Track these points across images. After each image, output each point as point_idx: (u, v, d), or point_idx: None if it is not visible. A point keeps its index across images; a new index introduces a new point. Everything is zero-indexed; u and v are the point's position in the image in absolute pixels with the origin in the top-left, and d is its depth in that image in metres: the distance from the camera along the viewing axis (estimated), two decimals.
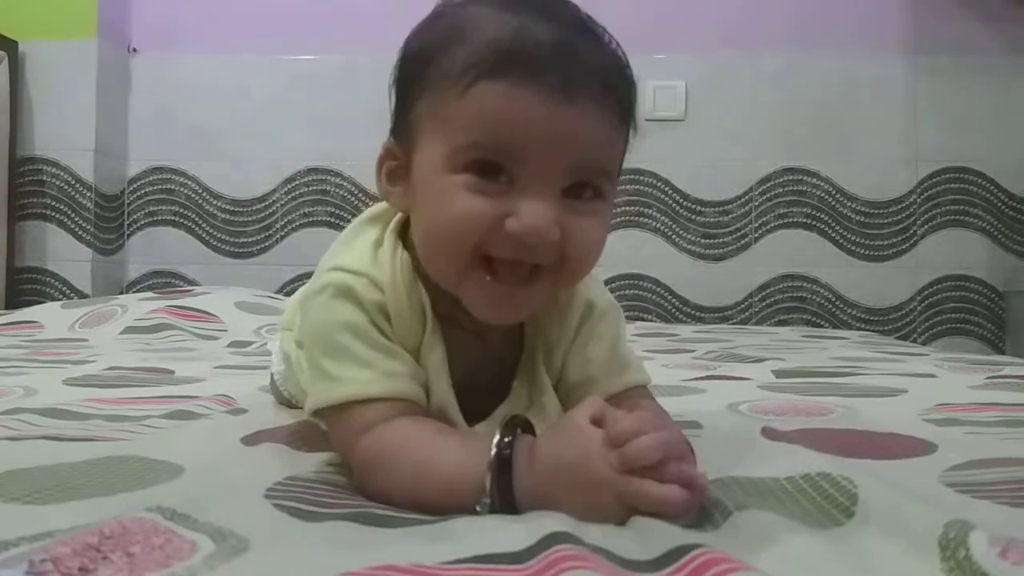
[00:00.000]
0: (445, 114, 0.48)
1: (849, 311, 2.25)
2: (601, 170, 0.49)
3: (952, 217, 2.23)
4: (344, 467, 0.52)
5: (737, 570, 0.30)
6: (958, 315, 2.23)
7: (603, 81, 0.48)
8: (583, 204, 0.49)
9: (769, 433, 0.59)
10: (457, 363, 0.53)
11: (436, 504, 0.42)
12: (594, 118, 0.47)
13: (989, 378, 0.96)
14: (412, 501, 0.44)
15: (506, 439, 0.42)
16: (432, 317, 0.53)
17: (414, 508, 0.43)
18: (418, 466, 0.45)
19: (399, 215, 0.55)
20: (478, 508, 0.41)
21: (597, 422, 0.41)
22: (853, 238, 2.25)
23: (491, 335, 0.56)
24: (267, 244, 2.34)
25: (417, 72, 0.50)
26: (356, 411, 0.48)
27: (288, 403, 0.73)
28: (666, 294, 2.27)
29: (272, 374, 0.76)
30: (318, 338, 0.51)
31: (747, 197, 2.27)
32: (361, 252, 0.53)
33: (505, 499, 0.41)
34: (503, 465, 0.41)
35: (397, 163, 0.53)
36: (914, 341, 2.16)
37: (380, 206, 0.57)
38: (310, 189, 2.33)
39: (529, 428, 0.45)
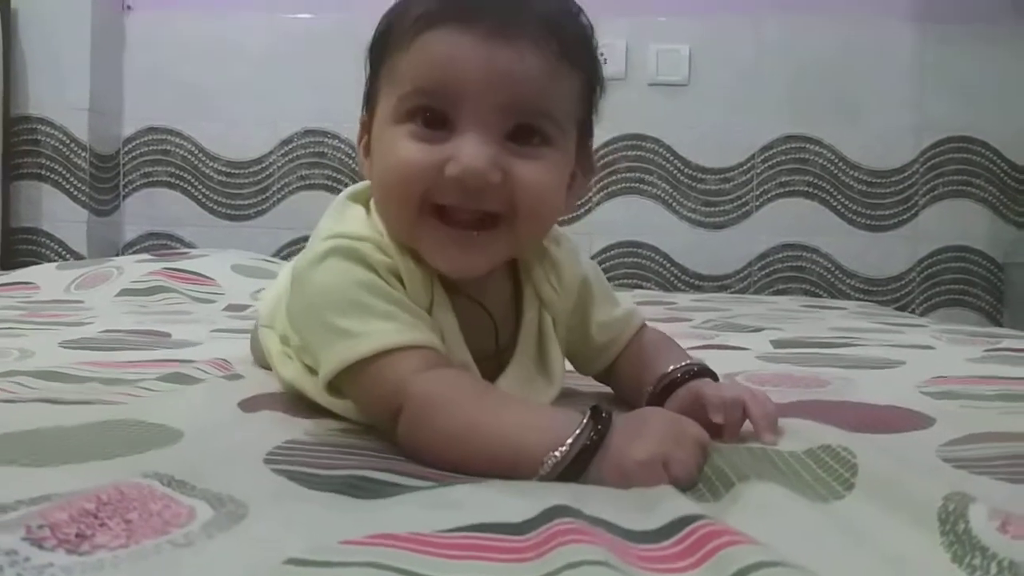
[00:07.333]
0: (395, 69, 0.50)
1: (848, 281, 2.24)
2: (542, 112, 0.49)
3: (954, 188, 2.21)
4: (348, 429, 0.51)
5: (739, 543, 0.30)
6: (957, 287, 2.23)
7: (544, 24, 0.48)
8: (529, 149, 0.49)
9: None
10: (462, 331, 0.53)
11: (488, 461, 0.42)
12: (531, 58, 0.48)
13: (987, 351, 0.96)
14: (465, 454, 0.43)
15: (598, 427, 0.41)
16: (438, 282, 0.53)
17: (466, 461, 0.42)
18: (473, 420, 0.44)
19: None
20: (543, 472, 0.41)
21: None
22: (854, 207, 2.24)
23: (489, 302, 0.56)
24: (264, 207, 2.32)
25: (381, 43, 0.52)
26: (388, 362, 0.47)
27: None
28: (665, 262, 2.26)
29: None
30: (329, 300, 0.49)
31: (749, 165, 2.25)
32: (355, 222, 0.53)
33: (567, 478, 0.40)
34: (588, 450, 0.41)
35: (370, 136, 0.54)
36: (912, 312, 2.15)
37: (359, 185, 0.58)
38: (307, 151, 2.30)
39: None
